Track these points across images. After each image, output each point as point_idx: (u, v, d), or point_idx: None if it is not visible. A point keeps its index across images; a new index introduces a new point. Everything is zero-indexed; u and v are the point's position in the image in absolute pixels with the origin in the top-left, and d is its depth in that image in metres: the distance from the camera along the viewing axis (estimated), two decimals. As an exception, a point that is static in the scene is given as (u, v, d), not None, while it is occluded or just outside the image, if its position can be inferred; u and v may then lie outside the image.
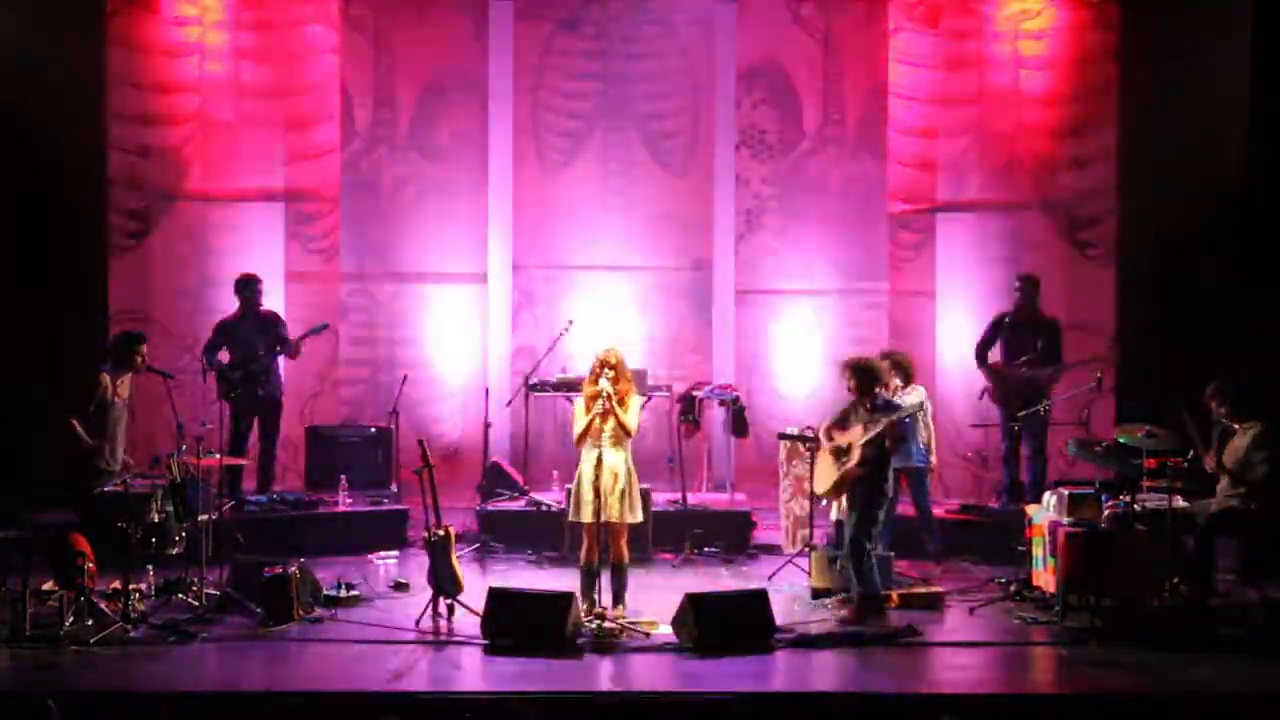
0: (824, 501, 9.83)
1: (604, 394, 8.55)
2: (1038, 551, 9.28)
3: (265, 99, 12.62)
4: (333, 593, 9.12)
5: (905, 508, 10.37)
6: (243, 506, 10.72)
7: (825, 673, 7.97)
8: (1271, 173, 11.32)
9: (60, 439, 9.61)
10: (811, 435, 9.79)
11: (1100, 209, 12.44)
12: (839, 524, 9.69)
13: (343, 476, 11.01)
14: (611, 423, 8.56)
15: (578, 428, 8.69)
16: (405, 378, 11.79)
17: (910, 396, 10.06)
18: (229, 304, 11.54)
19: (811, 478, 9.56)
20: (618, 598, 8.64)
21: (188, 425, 9.20)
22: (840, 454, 8.97)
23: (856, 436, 8.89)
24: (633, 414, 8.66)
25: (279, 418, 11.41)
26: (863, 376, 9.00)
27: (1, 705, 7.22)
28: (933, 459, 10.33)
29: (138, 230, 12.42)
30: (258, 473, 11.18)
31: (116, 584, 8.56)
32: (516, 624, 8.20)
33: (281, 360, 11.41)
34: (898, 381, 10.05)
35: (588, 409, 8.63)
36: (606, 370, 8.60)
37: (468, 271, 12.97)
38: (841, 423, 9.06)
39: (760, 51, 12.99)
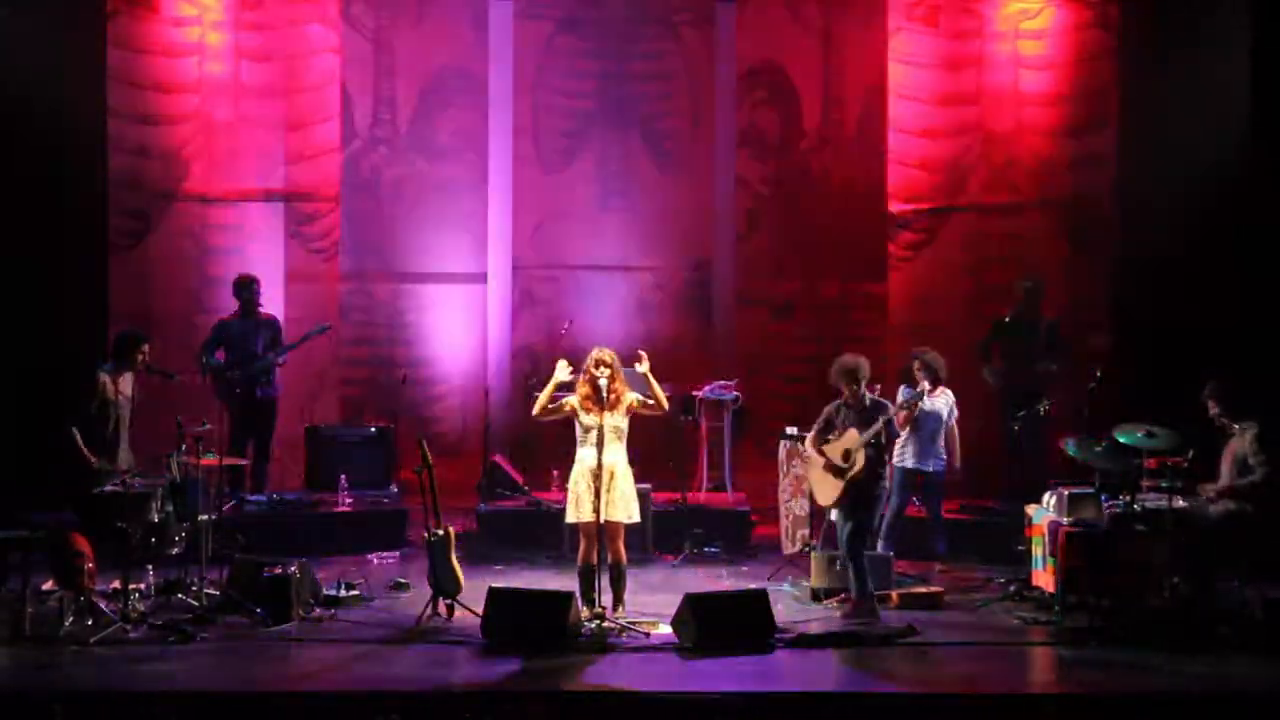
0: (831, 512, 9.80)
1: (603, 388, 8.53)
2: (1038, 551, 9.28)
3: (265, 99, 12.62)
4: (333, 593, 9.13)
5: (913, 509, 10.39)
6: (243, 506, 10.73)
7: (825, 673, 7.96)
8: (1271, 172, 11.31)
9: (61, 443, 9.59)
10: (833, 439, 9.75)
11: (1100, 209, 12.44)
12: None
13: (343, 476, 11.01)
14: (610, 420, 8.56)
15: (539, 406, 8.67)
16: (405, 378, 11.78)
17: (938, 399, 10.06)
18: (229, 304, 11.54)
19: (810, 487, 9.54)
20: (617, 598, 8.63)
21: (187, 425, 9.19)
22: (837, 465, 8.94)
23: (854, 440, 8.88)
24: (651, 396, 8.65)
25: (274, 419, 11.40)
26: (849, 377, 8.96)
27: (1, 705, 7.22)
28: (956, 463, 10.30)
29: (138, 230, 12.42)
30: (252, 474, 11.17)
31: (116, 584, 8.55)
32: (516, 624, 8.20)
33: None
34: (925, 384, 10.03)
35: (584, 409, 8.62)
36: (602, 369, 8.59)
37: (468, 271, 12.98)
38: (826, 429, 9.04)
39: (760, 51, 13.01)
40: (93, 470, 9.29)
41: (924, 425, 10.06)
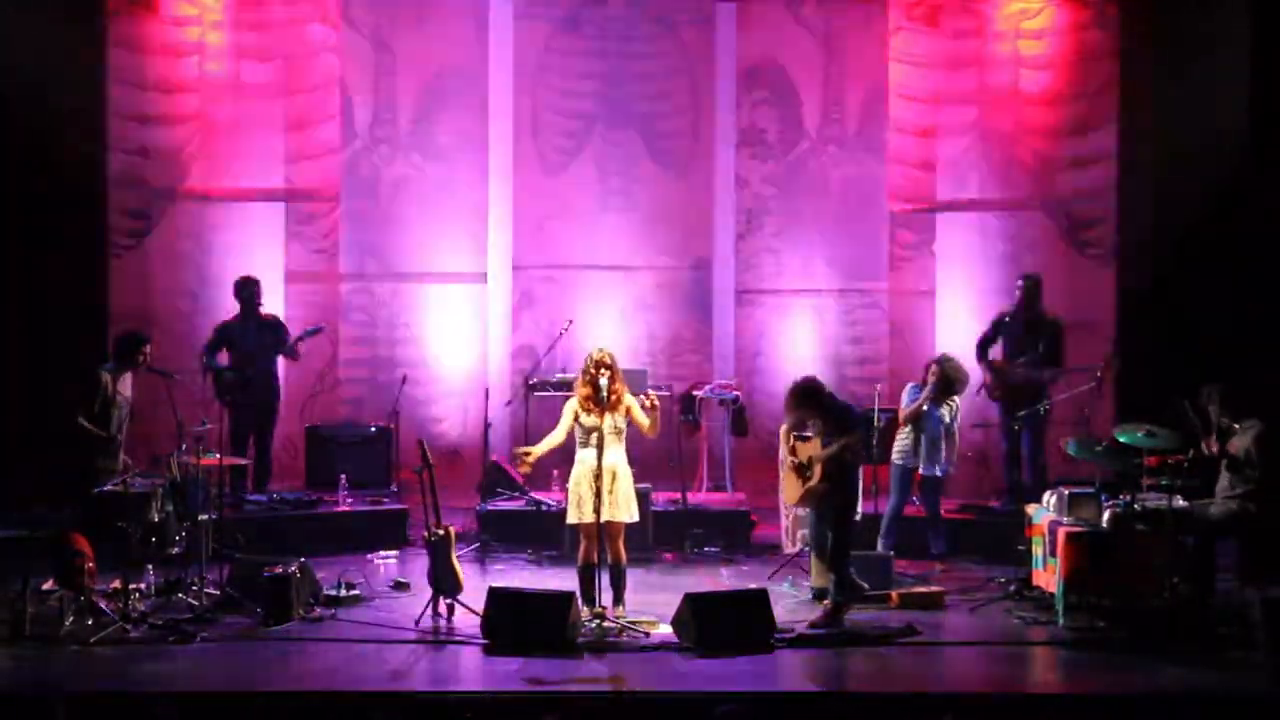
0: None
1: (604, 392, 8.52)
2: (1038, 551, 9.27)
3: (265, 99, 12.62)
4: (333, 593, 9.13)
5: (913, 509, 10.40)
6: (243, 506, 10.73)
7: (825, 673, 7.96)
8: (1271, 171, 11.32)
9: (65, 438, 9.59)
10: (809, 436, 9.77)
11: (1100, 209, 12.47)
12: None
13: (343, 476, 11.01)
14: (610, 421, 8.56)
15: (556, 438, 8.67)
16: (405, 378, 11.81)
17: (941, 410, 10.09)
18: (229, 304, 11.53)
19: (780, 485, 9.54)
20: (617, 597, 8.63)
21: (187, 425, 9.19)
22: (803, 469, 8.91)
23: (816, 451, 8.82)
24: (639, 413, 8.63)
25: (275, 420, 11.39)
26: (803, 402, 8.78)
27: (1, 705, 7.22)
28: (951, 469, 10.34)
29: (138, 230, 12.43)
30: (254, 475, 11.17)
31: (116, 584, 8.54)
32: (516, 624, 8.19)
33: (280, 363, 11.40)
34: (930, 391, 10.04)
35: (583, 409, 8.61)
36: (602, 370, 8.58)
37: (468, 271, 12.97)
38: (799, 425, 8.95)
39: (760, 51, 13.00)
40: (105, 446, 9.26)
41: (927, 428, 10.08)
